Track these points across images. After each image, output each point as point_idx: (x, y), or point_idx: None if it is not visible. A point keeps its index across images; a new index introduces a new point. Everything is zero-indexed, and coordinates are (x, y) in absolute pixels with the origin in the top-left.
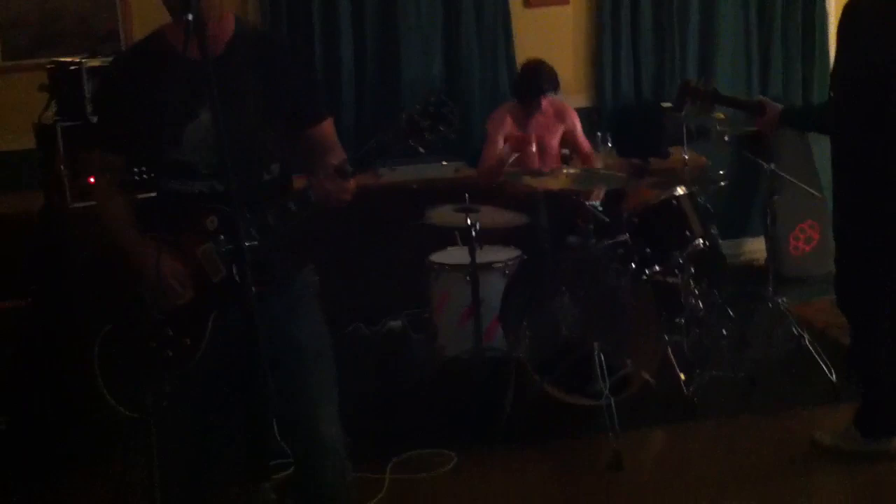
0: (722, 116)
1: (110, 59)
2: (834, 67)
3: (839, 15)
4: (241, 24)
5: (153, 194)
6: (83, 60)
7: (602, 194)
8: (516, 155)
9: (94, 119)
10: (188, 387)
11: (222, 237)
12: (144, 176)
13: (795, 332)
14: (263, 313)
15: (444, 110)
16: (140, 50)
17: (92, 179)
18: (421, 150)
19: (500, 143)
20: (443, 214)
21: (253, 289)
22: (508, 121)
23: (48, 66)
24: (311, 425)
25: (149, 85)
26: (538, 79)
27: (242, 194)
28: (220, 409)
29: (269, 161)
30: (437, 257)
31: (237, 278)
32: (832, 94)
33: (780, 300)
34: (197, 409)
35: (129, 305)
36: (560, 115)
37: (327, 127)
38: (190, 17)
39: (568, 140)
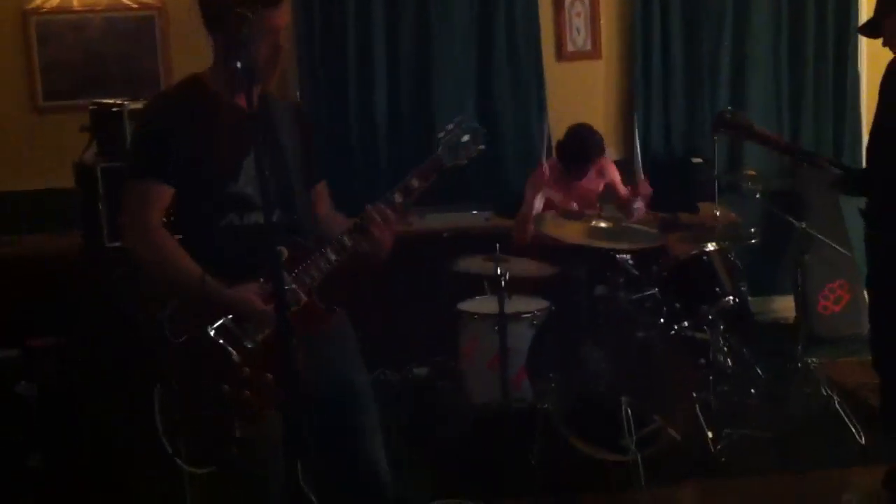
0: (752, 173)
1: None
2: (875, 125)
3: (869, 73)
4: (266, 88)
5: (179, 237)
6: (125, 102)
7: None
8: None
9: (139, 153)
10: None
11: (292, 268)
12: (172, 218)
13: (825, 392)
14: (316, 351)
15: (474, 126)
16: (182, 91)
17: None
18: (465, 161)
19: (538, 205)
20: (472, 263)
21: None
22: (548, 181)
23: (90, 107)
24: (372, 466)
25: (199, 123)
26: (587, 147)
27: (297, 226)
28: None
29: (301, 201)
30: (466, 306)
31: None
32: (870, 151)
33: (809, 360)
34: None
35: (195, 351)
36: (601, 172)
37: (325, 187)
38: (239, 64)
39: (607, 191)
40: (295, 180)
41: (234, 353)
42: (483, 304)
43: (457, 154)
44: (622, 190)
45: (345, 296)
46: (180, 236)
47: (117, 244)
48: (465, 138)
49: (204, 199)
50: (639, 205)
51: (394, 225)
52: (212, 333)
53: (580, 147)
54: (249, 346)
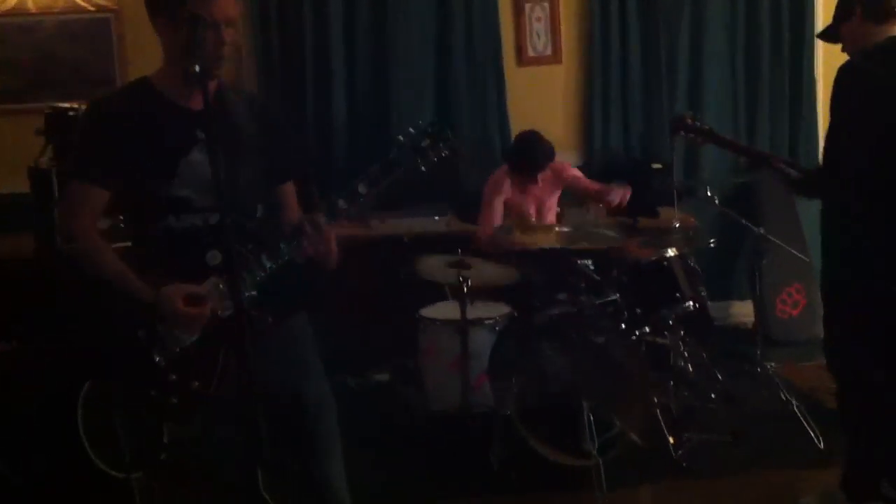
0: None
1: None
2: (830, 130)
3: (825, 74)
4: (224, 82)
5: (128, 244)
6: (81, 106)
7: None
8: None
9: (73, 154)
10: (206, 429)
11: (225, 272)
12: (122, 224)
13: (783, 396)
14: (264, 353)
15: (443, 133)
16: (126, 93)
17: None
18: (423, 167)
19: (498, 209)
20: (433, 268)
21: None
22: (506, 185)
23: (46, 111)
24: (324, 483)
25: (137, 126)
26: (535, 156)
27: (238, 228)
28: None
29: (255, 201)
30: (427, 311)
31: (243, 313)
32: (826, 155)
33: (768, 364)
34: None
35: (123, 354)
36: (558, 176)
37: (290, 187)
38: (197, 68)
39: (574, 191)
40: (247, 180)
41: (161, 357)
42: (444, 310)
43: (413, 158)
44: (589, 184)
45: (293, 304)
46: (129, 240)
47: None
48: (426, 143)
49: (141, 202)
50: (617, 193)
51: (329, 234)
52: (140, 336)
53: (528, 155)
54: (177, 350)
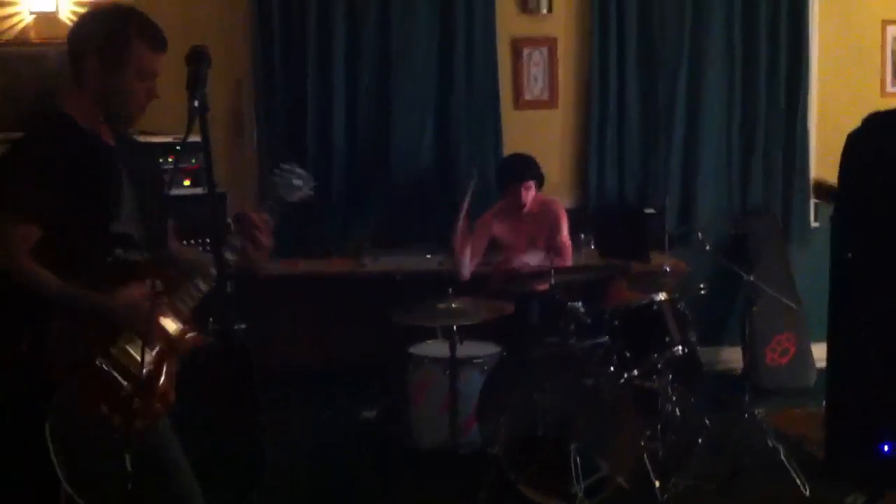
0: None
1: None
2: (843, 177)
3: (819, 129)
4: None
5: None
6: None
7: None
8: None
9: (10, 193)
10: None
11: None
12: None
13: (770, 443)
14: None
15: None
16: (52, 132)
17: None
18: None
19: (466, 249)
20: (424, 307)
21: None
22: (494, 225)
23: None
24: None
25: (71, 165)
26: (519, 166)
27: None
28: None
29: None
30: (417, 349)
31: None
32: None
33: (756, 411)
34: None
35: (83, 380)
36: (546, 210)
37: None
38: (196, 103)
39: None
40: (157, 215)
41: (125, 382)
42: (434, 348)
43: (287, 193)
44: (564, 236)
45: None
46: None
47: None
48: (298, 182)
49: (88, 239)
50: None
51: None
52: (100, 363)
53: (513, 166)
54: (139, 373)
